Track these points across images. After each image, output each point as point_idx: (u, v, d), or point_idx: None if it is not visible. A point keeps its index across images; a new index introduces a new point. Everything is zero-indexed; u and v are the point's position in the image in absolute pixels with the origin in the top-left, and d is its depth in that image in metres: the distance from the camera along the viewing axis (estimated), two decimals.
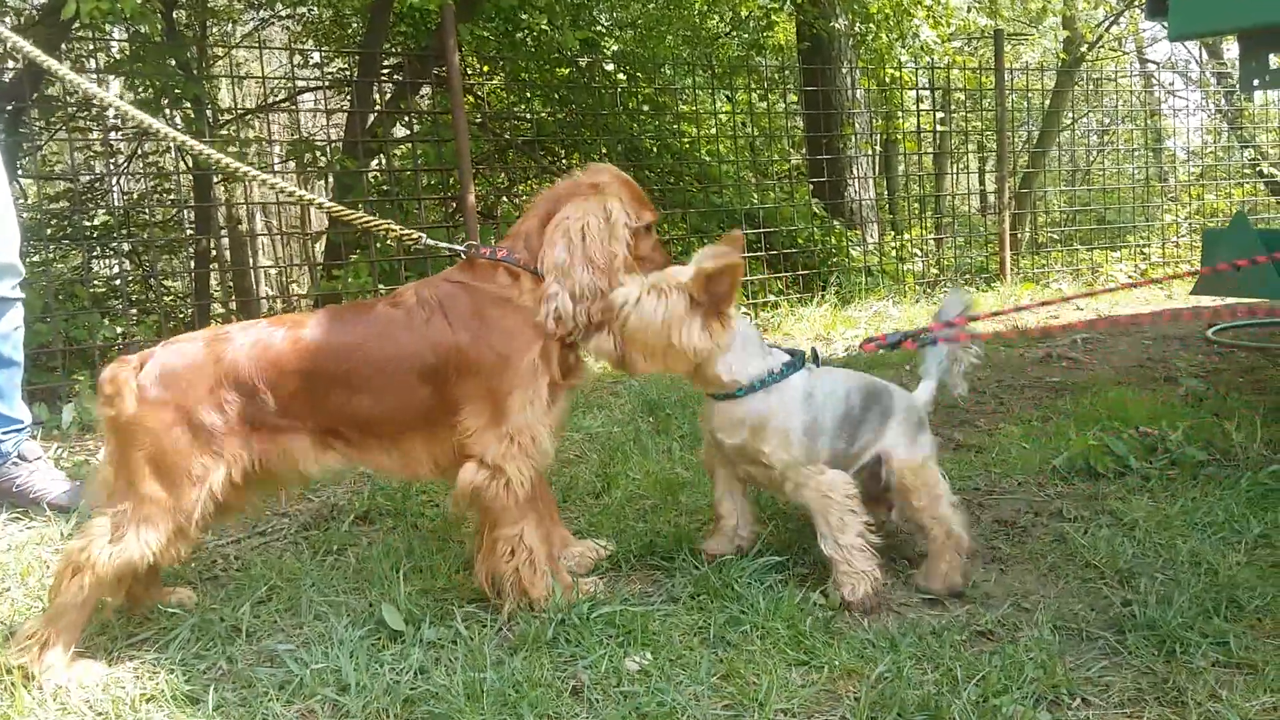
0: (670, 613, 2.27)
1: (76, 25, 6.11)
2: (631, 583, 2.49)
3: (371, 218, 2.67)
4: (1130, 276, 9.01)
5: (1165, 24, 3.82)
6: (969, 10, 10.36)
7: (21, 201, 7.18)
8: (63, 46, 7.41)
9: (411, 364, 2.25)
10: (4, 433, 3.26)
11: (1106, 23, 15.06)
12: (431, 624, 2.25)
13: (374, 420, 2.28)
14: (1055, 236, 11.14)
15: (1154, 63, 18.73)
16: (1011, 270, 8.72)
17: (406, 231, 2.65)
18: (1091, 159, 12.88)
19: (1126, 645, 2.07)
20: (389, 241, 7.08)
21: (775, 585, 2.36)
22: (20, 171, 6.97)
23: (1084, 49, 14.05)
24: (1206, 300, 5.57)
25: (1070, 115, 13.06)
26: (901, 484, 2.41)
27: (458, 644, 2.16)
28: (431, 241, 2.63)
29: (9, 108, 6.99)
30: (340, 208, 2.81)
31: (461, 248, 2.44)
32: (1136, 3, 14.05)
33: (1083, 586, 2.38)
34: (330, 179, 7.94)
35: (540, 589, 2.30)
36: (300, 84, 9.55)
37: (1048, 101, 11.19)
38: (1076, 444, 3.23)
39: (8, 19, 8.01)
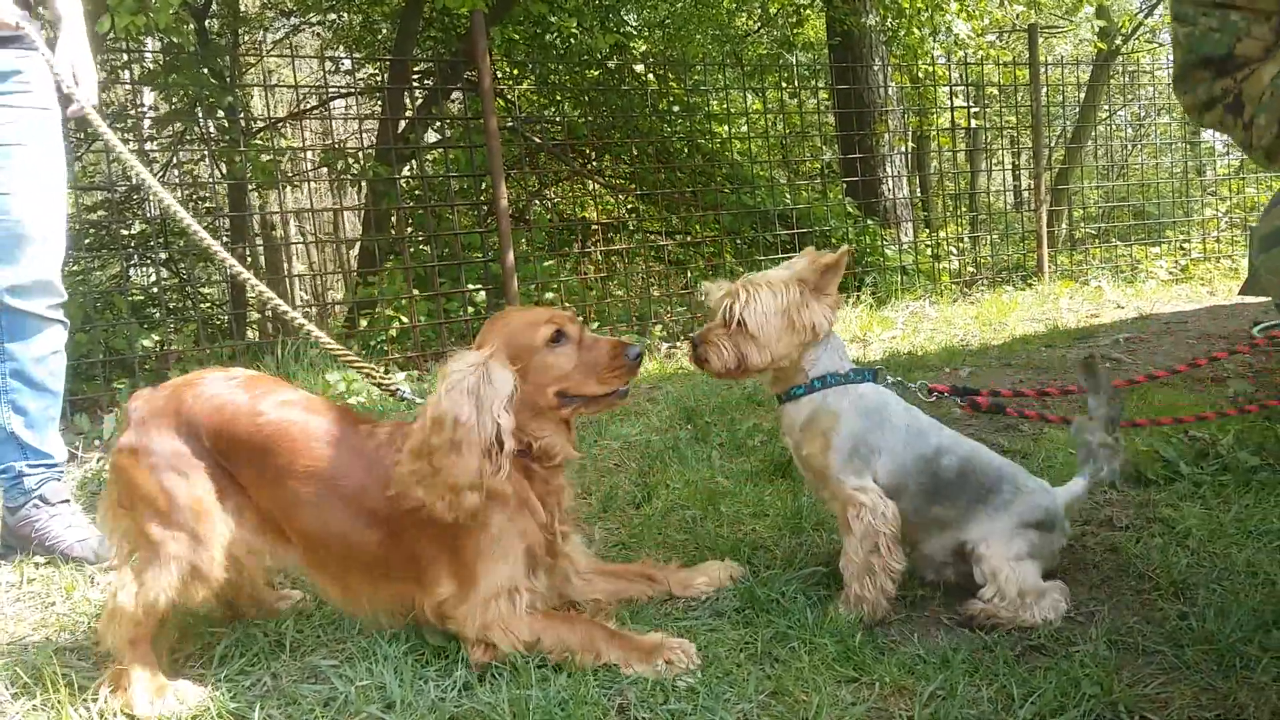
0: (716, 628, 2.25)
1: (111, 37, 6.16)
2: (674, 599, 2.46)
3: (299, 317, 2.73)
4: (1171, 272, 8.87)
5: None
6: (1001, 3, 10.23)
7: None
8: (98, 58, 7.49)
9: (361, 505, 2.17)
10: (30, 466, 3.07)
11: (1142, 11, 14.85)
12: None
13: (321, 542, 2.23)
14: (1092, 232, 10.99)
15: None
16: (1049, 267, 8.63)
17: (385, 382, 2.59)
18: (1128, 152, 12.70)
19: (1185, 660, 2.02)
20: (421, 246, 7.12)
21: (822, 599, 2.33)
22: None
23: (1119, 41, 13.84)
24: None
25: (1106, 108, 12.89)
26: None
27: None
28: (405, 390, 2.53)
29: None
30: (267, 291, 2.83)
31: (407, 390, 2.47)
32: None
33: (1137, 599, 2.33)
34: (364, 186, 7.97)
35: None
36: (332, 91, 9.60)
37: (1082, 95, 11.06)
38: (1125, 449, 3.15)
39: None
